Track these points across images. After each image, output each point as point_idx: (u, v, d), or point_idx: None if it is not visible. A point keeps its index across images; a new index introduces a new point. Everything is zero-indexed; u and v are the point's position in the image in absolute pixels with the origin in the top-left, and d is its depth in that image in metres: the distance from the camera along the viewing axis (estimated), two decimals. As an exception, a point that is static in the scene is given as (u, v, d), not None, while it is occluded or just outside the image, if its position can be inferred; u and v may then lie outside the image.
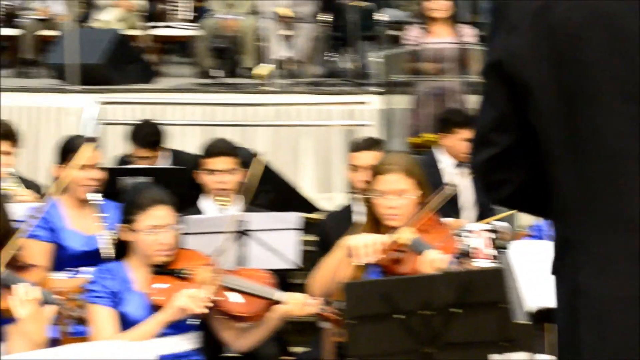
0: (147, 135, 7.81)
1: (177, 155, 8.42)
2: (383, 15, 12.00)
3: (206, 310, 4.94)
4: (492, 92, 2.71)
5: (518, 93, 2.58)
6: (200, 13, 14.24)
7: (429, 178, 5.65)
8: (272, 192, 7.06)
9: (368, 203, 5.32)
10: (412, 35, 9.53)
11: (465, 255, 5.76)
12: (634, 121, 2.43)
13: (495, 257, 5.13)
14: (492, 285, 4.25)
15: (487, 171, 2.79)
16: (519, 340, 4.32)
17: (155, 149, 8.23)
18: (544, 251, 4.00)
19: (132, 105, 11.09)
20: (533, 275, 4.00)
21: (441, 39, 9.20)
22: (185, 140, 10.12)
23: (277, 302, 5.08)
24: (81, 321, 5.04)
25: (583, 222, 2.59)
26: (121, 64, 12.39)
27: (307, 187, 9.74)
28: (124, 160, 8.26)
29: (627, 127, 2.43)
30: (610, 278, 2.44)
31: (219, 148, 6.63)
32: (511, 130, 2.63)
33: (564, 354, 2.74)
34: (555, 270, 2.65)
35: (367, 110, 10.23)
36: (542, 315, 3.91)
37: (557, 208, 2.65)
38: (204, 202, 6.53)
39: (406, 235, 4.99)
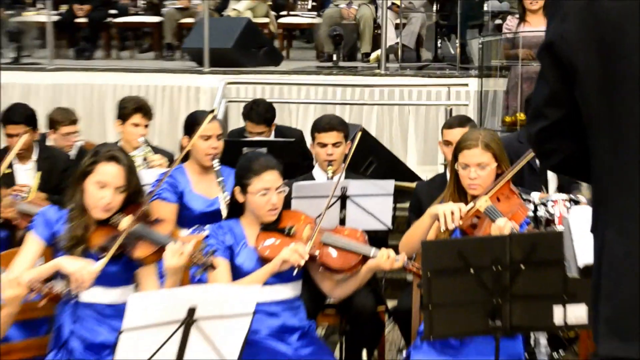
0: (262, 112, 7.88)
1: (281, 130, 8.51)
2: (488, 6, 11.90)
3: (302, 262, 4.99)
4: (546, 72, 2.91)
5: (567, 73, 2.76)
6: (323, 3, 14.35)
7: (516, 153, 5.79)
8: (375, 163, 7.26)
9: (453, 172, 5.45)
10: (511, 24, 9.53)
11: (546, 221, 6.06)
12: None
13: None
14: (556, 246, 4.52)
15: (540, 141, 3.01)
16: (579, 293, 4.38)
17: (270, 125, 8.22)
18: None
19: (258, 85, 11.26)
20: (586, 235, 4.26)
21: (535, 28, 9.07)
22: (307, 117, 10.43)
23: (369, 258, 5.17)
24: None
25: (611, 188, 2.82)
26: (250, 49, 12.55)
27: (412, 160, 9.98)
28: (243, 134, 8.31)
29: None
30: (625, 237, 2.66)
31: (329, 124, 6.69)
32: (561, 105, 2.81)
33: (592, 302, 2.96)
34: (593, 229, 2.88)
35: (466, 92, 10.31)
36: (588, 271, 4.14)
37: (594, 175, 2.87)
38: (315, 171, 6.69)
39: (483, 203, 5.13)
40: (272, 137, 8.01)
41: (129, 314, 3.73)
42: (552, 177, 7.19)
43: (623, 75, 2.76)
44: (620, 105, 2.75)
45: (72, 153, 7.77)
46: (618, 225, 2.74)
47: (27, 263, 4.57)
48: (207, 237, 5.23)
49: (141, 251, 4.69)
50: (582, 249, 3.86)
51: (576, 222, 4.03)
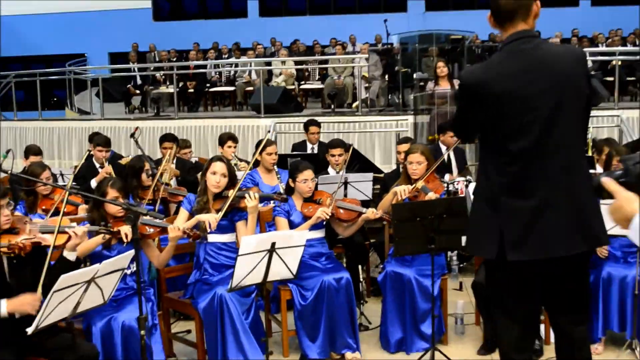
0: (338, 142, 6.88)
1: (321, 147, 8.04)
2: (417, 75, 11.65)
3: (328, 217, 4.95)
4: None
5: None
6: (324, 76, 14.21)
7: (435, 156, 5.63)
8: (359, 164, 7.22)
9: (404, 168, 5.41)
10: (430, 85, 9.28)
11: (454, 192, 6.20)
12: None
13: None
14: (459, 204, 4.47)
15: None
16: None
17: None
18: None
19: (291, 124, 11.26)
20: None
21: (443, 88, 8.93)
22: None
23: (362, 213, 5.06)
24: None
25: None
26: (286, 103, 12.40)
27: (378, 162, 9.87)
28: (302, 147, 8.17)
29: None
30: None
31: (336, 143, 6.67)
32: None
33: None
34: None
35: (407, 123, 10.17)
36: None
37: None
38: (330, 169, 6.56)
39: (419, 184, 5.15)
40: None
41: (243, 247, 3.81)
42: (454, 167, 7.25)
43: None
44: None
45: (193, 161, 7.71)
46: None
47: (181, 222, 4.57)
48: (274, 207, 5.20)
49: (242, 204, 4.61)
50: None
51: (472, 192, 4.15)
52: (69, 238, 3.64)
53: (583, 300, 3.23)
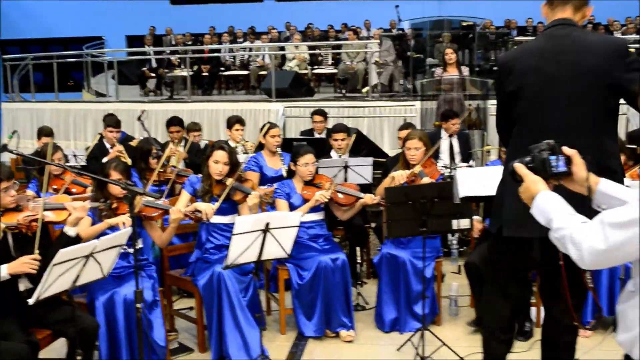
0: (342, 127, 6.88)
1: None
2: (427, 61, 11.72)
3: (326, 200, 5.08)
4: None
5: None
6: (337, 60, 14.16)
7: (434, 142, 5.71)
8: (366, 149, 7.23)
9: (403, 153, 5.40)
10: (438, 72, 9.20)
11: (450, 177, 6.26)
12: None
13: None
14: (450, 189, 4.41)
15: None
16: (463, 212, 4.53)
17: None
18: (469, 172, 4.51)
19: (302, 108, 11.17)
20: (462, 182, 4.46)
21: (450, 74, 8.92)
22: (329, 124, 10.42)
23: (360, 198, 5.20)
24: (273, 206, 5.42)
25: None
26: (298, 87, 12.41)
27: (387, 147, 9.87)
28: (310, 133, 8.07)
29: None
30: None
31: (339, 128, 6.68)
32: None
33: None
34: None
35: (415, 109, 10.16)
36: (464, 199, 4.19)
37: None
38: (332, 153, 6.55)
39: (417, 169, 5.20)
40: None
41: (237, 226, 3.93)
42: (456, 154, 7.20)
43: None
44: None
45: (202, 144, 7.78)
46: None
47: (183, 204, 4.74)
48: (275, 189, 5.33)
49: (237, 196, 4.78)
50: (460, 189, 4.10)
51: (459, 177, 4.26)
52: (70, 215, 3.80)
53: (574, 289, 3.24)
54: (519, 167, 2.25)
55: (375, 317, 5.24)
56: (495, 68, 3.44)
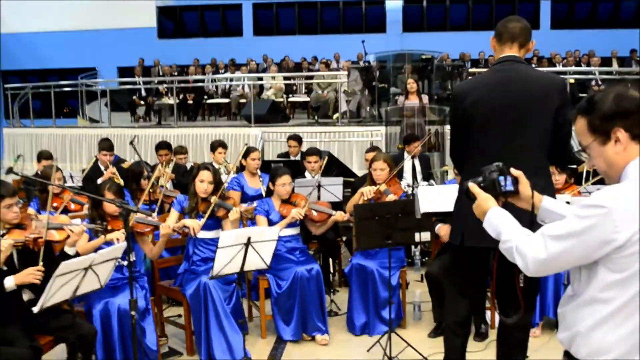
0: (315, 151, 6.83)
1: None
2: (390, 91, 11.83)
3: (301, 217, 5.12)
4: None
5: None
6: (310, 90, 14.14)
7: (397, 162, 5.79)
8: (336, 170, 7.24)
9: (370, 173, 5.42)
10: (401, 99, 9.30)
11: (412, 195, 6.32)
12: None
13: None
14: (412, 206, 4.67)
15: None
16: (424, 226, 4.56)
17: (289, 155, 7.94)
18: (429, 190, 4.55)
19: (278, 133, 11.24)
20: (423, 199, 4.49)
21: (411, 102, 8.96)
22: (303, 148, 10.49)
23: (332, 215, 5.23)
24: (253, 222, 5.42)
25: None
26: (274, 114, 12.47)
27: (355, 168, 9.75)
28: (286, 155, 8.11)
29: None
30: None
31: (312, 151, 6.67)
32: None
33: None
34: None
35: (381, 133, 10.19)
36: (425, 215, 4.11)
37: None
38: (307, 174, 6.55)
39: (382, 187, 5.25)
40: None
41: (222, 240, 3.97)
42: (418, 173, 7.23)
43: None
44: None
45: (188, 166, 7.82)
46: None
47: (173, 220, 4.73)
48: (255, 207, 5.35)
49: (220, 212, 4.77)
50: (421, 205, 4.14)
51: (420, 194, 4.31)
52: (68, 236, 3.81)
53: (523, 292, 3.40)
54: (472, 187, 2.31)
55: (347, 322, 5.27)
56: (450, 96, 3.52)
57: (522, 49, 3.27)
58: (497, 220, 2.14)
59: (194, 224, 4.66)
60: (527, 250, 1.94)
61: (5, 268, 3.53)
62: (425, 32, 18.55)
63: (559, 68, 14.54)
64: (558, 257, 1.87)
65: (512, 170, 2.34)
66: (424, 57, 11.88)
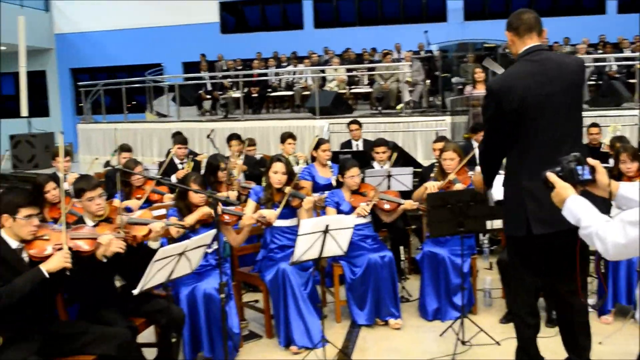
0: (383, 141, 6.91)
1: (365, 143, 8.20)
2: (455, 80, 11.83)
3: (366, 214, 5.26)
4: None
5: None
6: (372, 81, 14.22)
7: (466, 152, 5.84)
8: (402, 160, 7.29)
9: (439, 163, 5.62)
10: (468, 89, 9.28)
11: None
12: None
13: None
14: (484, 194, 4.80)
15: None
16: (496, 214, 4.50)
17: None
18: (501, 178, 4.59)
19: (343, 124, 11.07)
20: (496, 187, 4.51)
21: (479, 91, 8.86)
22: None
23: (401, 204, 5.35)
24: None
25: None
26: (338, 106, 12.50)
27: (420, 158, 9.94)
28: (348, 145, 8.31)
29: None
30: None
31: (380, 142, 6.74)
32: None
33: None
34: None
35: (445, 123, 10.19)
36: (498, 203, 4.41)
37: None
38: (375, 164, 6.64)
39: (452, 177, 5.39)
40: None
41: (301, 228, 4.13)
42: None
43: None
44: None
45: (258, 157, 7.96)
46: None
47: (251, 210, 4.93)
48: (326, 198, 5.50)
49: (294, 202, 4.94)
50: (494, 193, 4.20)
51: (494, 183, 4.37)
52: (150, 231, 4.00)
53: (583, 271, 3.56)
54: (551, 176, 2.41)
55: (419, 307, 5.37)
56: (486, 91, 3.55)
57: (540, 37, 3.39)
58: (576, 208, 2.24)
59: (270, 215, 4.84)
60: (606, 235, 2.04)
61: (105, 260, 3.73)
62: (487, 20, 18.27)
63: (627, 53, 14.17)
64: (637, 241, 1.96)
65: (589, 160, 2.43)
66: (487, 45, 11.79)
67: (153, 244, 4.05)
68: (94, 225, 3.94)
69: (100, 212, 3.98)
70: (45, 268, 3.35)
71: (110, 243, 3.68)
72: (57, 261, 3.37)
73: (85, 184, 3.95)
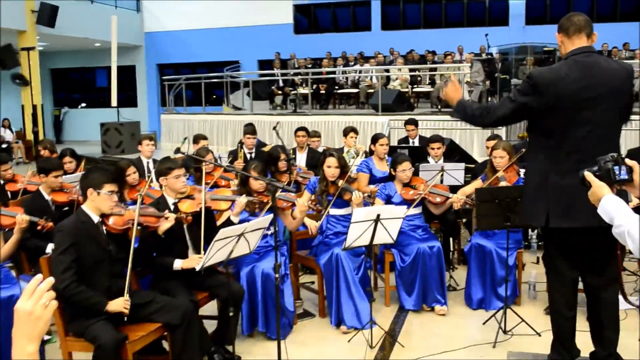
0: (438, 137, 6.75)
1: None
2: (512, 81, 11.66)
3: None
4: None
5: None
6: (433, 81, 14.08)
7: (518, 151, 5.53)
8: (458, 156, 7.29)
9: (490, 160, 5.47)
10: None
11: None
12: None
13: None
14: None
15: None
16: None
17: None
18: None
19: (403, 120, 11.30)
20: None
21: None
22: (426, 134, 10.48)
23: (449, 198, 5.26)
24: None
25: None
26: (400, 103, 12.47)
27: (476, 155, 9.74)
28: (406, 141, 8.16)
29: None
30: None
31: (435, 138, 6.63)
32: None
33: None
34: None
35: None
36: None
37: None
38: (430, 159, 6.53)
39: (500, 174, 5.25)
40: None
41: (354, 216, 4.14)
42: None
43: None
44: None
45: (321, 149, 7.86)
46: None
47: (306, 199, 4.99)
48: (377, 191, 5.45)
49: (346, 196, 4.93)
50: None
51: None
52: (231, 205, 4.13)
53: (612, 267, 3.45)
54: (588, 175, 2.36)
55: (464, 297, 5.31)
56: (527, 79, 3.45)
57: (589, 39, 3.29)
58: (610, 207, 2.20)
59: (311, 225, 4.92)
60: (637, 234, 2.01)
61: (163, 236, 3.89)
62: (548, 25, 17.74)
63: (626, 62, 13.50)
64: None
65: (627, 160, 2.37)
66: (546, 49, 11.49)
67: (235, 218, 4.27)
68: (176, 202, 4.12)
69: (183, 189, 4.16)
70: (108, 308, 3.45)
71: (171, 220, 3.86)
72: (118, 306, 3.46)
73: (172, 164, 4.13)
